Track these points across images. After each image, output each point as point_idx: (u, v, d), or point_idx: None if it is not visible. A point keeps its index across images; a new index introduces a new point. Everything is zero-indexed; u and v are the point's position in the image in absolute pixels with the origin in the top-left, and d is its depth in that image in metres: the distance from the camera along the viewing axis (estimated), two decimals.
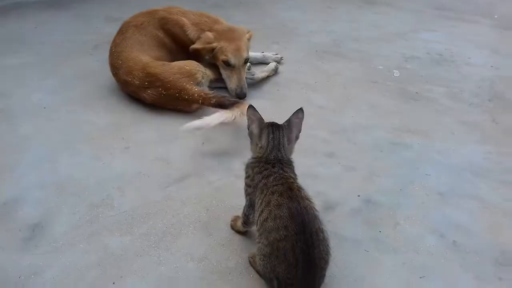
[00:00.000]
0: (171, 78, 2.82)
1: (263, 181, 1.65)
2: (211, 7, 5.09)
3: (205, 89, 2.94)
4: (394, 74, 3.65)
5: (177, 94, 2.82)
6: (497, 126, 2.94)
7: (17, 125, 2.72)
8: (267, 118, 1.79)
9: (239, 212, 1.92)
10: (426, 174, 2.44)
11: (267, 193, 1.59)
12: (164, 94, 2.83)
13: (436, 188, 2.33)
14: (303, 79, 3.49)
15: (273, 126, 1.72)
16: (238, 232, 1.97)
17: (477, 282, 1.80)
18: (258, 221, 1.60)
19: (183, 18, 3.18)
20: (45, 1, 5.18)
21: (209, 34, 3.07)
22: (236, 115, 2.60)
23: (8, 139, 2.59)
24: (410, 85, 3.46)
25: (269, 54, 3.74)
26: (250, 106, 1.73)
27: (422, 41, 4.45)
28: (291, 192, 1.57)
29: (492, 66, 3.90)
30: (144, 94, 2.87)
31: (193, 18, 3.21)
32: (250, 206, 1.75)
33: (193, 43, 3.12)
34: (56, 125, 2.74)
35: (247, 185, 1.75)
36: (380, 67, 3.78)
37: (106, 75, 3.24)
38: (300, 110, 1.75)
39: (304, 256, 1.47)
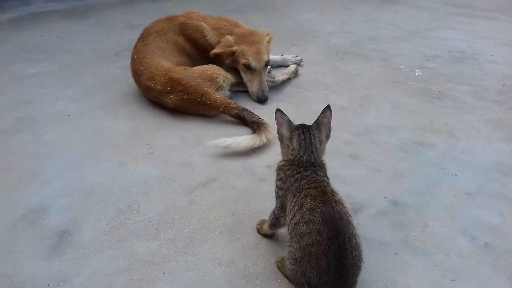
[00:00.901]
0: (192, 83, 2.83)
1: (295, 184, 1.63)
2: (229, 12, 5.12)
3: (227, 98, 2.94)
4: (416, 74, 3.61)
5: (199, 99, 2.83)
6: None
7: (42, 133, 2.75)
8: None
9: (264, 216, 1.91)
10: (452, 174, 2.40)
11: (300, 197, 1.57)
12: (186, 99, 2.85)
13: (464, 188, 2.29)
14: (324, 80, 3.47)
15: (303, 127, 1.70)
16: (265, 235, 1.96)
17: (511, 283, 1.75)
18: (290, 224, 1.58)
19: (202, 23, 3.20)
20: (65, 10, 5.28)
21: (230, 38, 3.08)
22: (264, 141, 2.60)
23: (33, 147, 2.62)
24: (433, 84, 3.41)
25: (288, 57, 3.74)
26: (278, 110, 1.71)
27: (442, 39, 4.40)
28: (324, 196, 1.55)
29: None
30: (166, 99, 2.89)
31: (212, 22, 3.23)
32: (281, 208, 1.73)
33: (213, 47, 3.13)
34: (80, 132, 2.77)
35: (279, 188, 1.73)
36: (402, 66, 3.74)
37: (128, 81, 3.28)
38: (328, 107, 1.72)
39: (336, 262, 1.45)
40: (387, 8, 5.54)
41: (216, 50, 3.07)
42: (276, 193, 1.76)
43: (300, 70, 3.61)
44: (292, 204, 1.60)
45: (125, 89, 3.30)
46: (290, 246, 1.57)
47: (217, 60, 3.13)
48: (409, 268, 1.82)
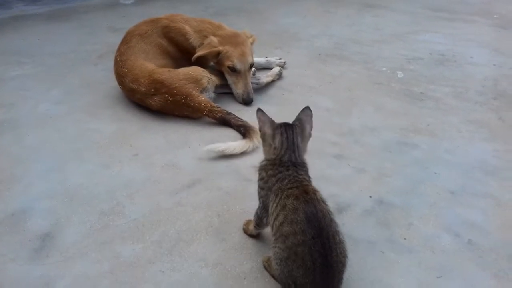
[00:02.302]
0: (177, 84, 2.82)
1: (277, 184, 1.63)
2: (212, 15, 5.12)
3: (212, 101, 2.94)
4: (398, 76, 3.65)
5: (183, 100, 2.82)
6: (503, 124, 2.93)
7: (24, 136, 2.71)
8: None
9: (251, 216, 1.90)
10: (436, 173, 2.43)
11: (282, 197, 1.57)
12: (170, 101, 2.83)
13: (447, 187, 2.32)
14: (308, 82, 3.49)
15: (286, 125, 1.70)
16: (251, 235, 1.96)
17: (496, 280, 1.78)
18: (274, 225, 1.58)
19: (185, 26, 3.18)
20: (46, 14, 5.22)
21: (213, 38, 3.07)
22: (256, 145, 2.61)
23: (15, 150, 2.58)
24: (415, 86, 3.46)
25: (272, 59, 3.75)
26: (259, 109, 1.71)
27: (423, 42, 4.47)
28: (306, 195, 1.55)
29: (495, 65, 3.91)
30: (150, 101, 2.87)
31: (195, 25, 3.22)
32: (263, 208, 1.73)
33: (196, 50, 3.11)
34: (63, 134, 2.73)
35: (261, 188, 1.73)
36: (384, 68, 3.78)
37: (111, 84, 3.25)
38: (307, 108, 1.73)
39: (321, 260, 1.45)
40: (368, 12, 5.60)
41: (200, 52, 3.06)
42: (259, 193, 1.76)
43: (284, 72, 3.62)
44: (275, 204, 1.59)
45: (108, 91, 3.26)
46: (275, 247, 1.56)
47: (201, 62, 3.12)
48: (395, 265, 1.83)
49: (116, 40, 3.32)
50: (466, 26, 5.03)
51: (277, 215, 1.56)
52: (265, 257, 1.81)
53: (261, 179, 1.73)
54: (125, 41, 3.16)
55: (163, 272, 1.79)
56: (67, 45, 4.22)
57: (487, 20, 5.27)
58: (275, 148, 1.68)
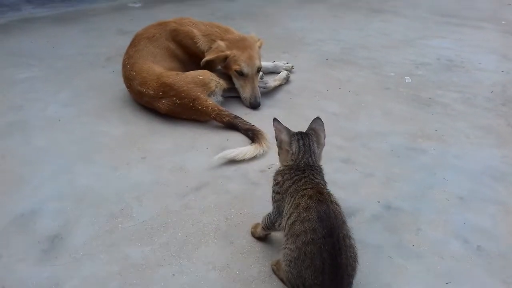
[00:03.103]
0: (185, 88, 2.83)
1: (293, 186, 1.64)
2: (220, 19, 5.14)
3: (219, 105, 2.95)
4: (406, 81, 3.65)
5: (191, 104, 2.83)
6: None
7: (32, 137, 2.72)
8: None
9: (259, 220, 1.90)
10: (444, 179, 2.42)
11: (297, 196, 1.58)
12: (178, 104, 2.84)
13: (456, 192, 2.31)
14: (315, 87, 3.49)
15: (301, 133, 1.73)
16: (259, 238, 1.96)
17: (505, 286, 1.76)
18: (286, 225, 1.58)
19: (193, 29, 3.20)
20: (55, 16, 5.26)
21: (221, 43, 3.08)
22: (265, 149, 2.61)
23: (24, 151, 2.59)
24: (423, 91, 3.45)
25: (280, 63, 3.75)
26: (275, 119, 1.75)
27: (431, 48, 4.46)
28: (320, 195, 1.56)
29: (503, 71, 3.90)
30: (158, 104, 2.88)
31: (203, 28, 3.23)
32: (277, 213, 1.73)
33: (204, 54, 3.13)
34: (72, 136, 2.75)
35: (276, 192, 1.73)
36: (391, 73, 3.78)
37: (119, 87, 3.27)
38: (318, 118, 1.78)
39: (331, 261, 1.45)
40: (376, 17, 5.61)
41: (208, 56, 3.07)
42: (273, 198, 1.76)
43: (292, 76, 3.63)
44: (289, 205, 1.60)
45: (116, 94, 3.28)
46: (285, 248, 1.57)
47: (208, 65, 3.13)
48: (404, 271, 1.83)
49: (124, 43, 3.34)
50: (474, 32, 5.03)
51: (290, 215, 1.58)
52: (273, 261, 1.81)
53: (276, 183, 1.73)
54: (133, 44, 3.18)
55: (172, 275, 1.79)
56: (76, 47, 4.25)
57: (495, 26, 5.26)
58: (292, 154, 1.69)
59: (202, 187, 2.32)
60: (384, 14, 5.75)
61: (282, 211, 1.67)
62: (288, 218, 1.58)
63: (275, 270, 1.78)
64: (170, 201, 2.21)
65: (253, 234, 1.98)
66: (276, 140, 1.76)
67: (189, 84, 2.86)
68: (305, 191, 1.58)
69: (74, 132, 2.80)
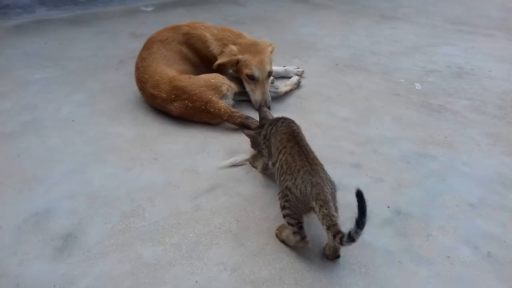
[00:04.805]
0: (197, 91, 2.86)
1: (273, 128, 2.14)
2: (232, 23, 5.19)
3: (231, 106, 2.98)
4: (416, 87, 3.66)
5: (203, 107, 2.86)
6: None
7: (46, 137, 2.77)
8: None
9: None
10: (454, 186, 2.42)
11: (278, 133, 2.09)
12: (190, 107, 2.87)
13: (466, 199, 2.31)
14: (326, 92, 3.51)
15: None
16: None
17: None
18: (277, 161, 1.98)
19: (206, 33, 3.24)
20: (69, 19, 5.33)
21: (233, 47, 3.12)
22: None
23: (38, 151, 2.63)
24: (433, 98, 3.46)
25: (290, 68, 3.78)
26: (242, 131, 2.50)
27: (441, 55, 4.47)
28: (292, 132, 2.09)
29: None
30: (170, 107, 2.91)
31: (216, 33, 3.27)
32: (268, 154, 2.20)
33: (216, 58, 3.17)
34: (85, 137, 2.79)
35: (264, 143, 2.23)
36: (402, 80, 3.79)
37: (132, 89, 3.31)
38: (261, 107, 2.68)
39: (306, 159, 1.91)
40: (386, 24, 5.62)
41: (220, 60, 3.10)
42: (263, 149, 2.26)
43: (302, 81, 3.65)
44: (274, 139, 2.09)
45: (129, 96, 3.32)
46: (281, 186, 1.87)
47: (220, 69, 3.16)
48: (414, 276, 1.83)
49: (136, 46, 3.38)
50: (484, 40, 5.03)
51: (277, 149, 2.02)
52: (278, 226, 2.02)
53: (263, 137, 2.24)
54: (146, 47, 3.22)
55: (183, 274, 1.82)
56: (89, 49, 4.30)
57: (505, 34, 5.26)
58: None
59: (213, 189, 2.34)
60: (395, 21, 5.77)
61: (272, 151, 2.11)
62: (278, 155, 1.99)
63: (278, 234, 1.98)
64: (182, 202, 2.24)
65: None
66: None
67: (201, 87, 2.89)
68: (282, 129, 2.10)
69: (87, 133, 2.84)
